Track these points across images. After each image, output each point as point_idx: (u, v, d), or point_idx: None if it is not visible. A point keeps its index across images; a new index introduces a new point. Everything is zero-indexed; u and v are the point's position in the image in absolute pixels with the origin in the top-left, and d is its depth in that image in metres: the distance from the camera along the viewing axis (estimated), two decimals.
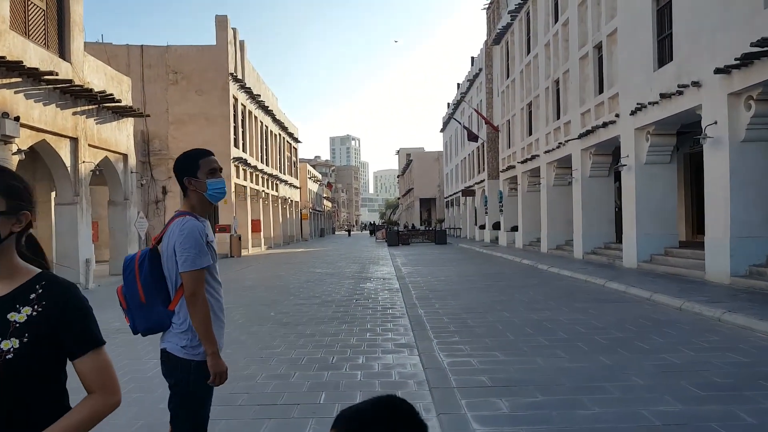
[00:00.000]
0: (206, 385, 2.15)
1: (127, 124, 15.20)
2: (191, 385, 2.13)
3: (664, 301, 8.27)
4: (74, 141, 12.22)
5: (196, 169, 2.23)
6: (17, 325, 1.17)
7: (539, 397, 3.99)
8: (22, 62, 9.98)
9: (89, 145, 12.85)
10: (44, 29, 11.34)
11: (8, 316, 1.18)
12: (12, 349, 1.14)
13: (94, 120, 13.11)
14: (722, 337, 5.87)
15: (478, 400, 3.95)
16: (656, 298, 8.57)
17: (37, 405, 1.19)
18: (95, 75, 13.26)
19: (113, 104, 13.60)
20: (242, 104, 27.64)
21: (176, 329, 2.15)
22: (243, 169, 27.15)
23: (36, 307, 1.19)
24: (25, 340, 1.16)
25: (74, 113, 12.14)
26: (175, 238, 2.12)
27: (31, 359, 1.16)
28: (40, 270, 1.27)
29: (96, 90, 12.67)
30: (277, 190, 36.02)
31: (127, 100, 14.94)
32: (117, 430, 3.50)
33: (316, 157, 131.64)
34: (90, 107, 12.82)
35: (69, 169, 12.03)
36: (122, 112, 14.37)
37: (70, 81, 11.57)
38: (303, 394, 4.23)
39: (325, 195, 76.13)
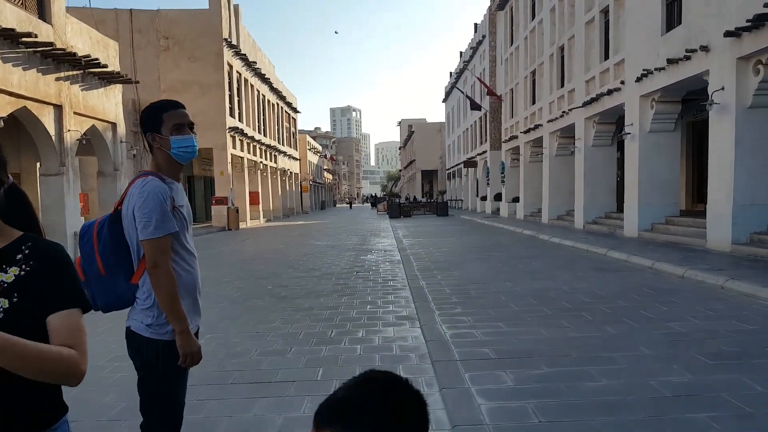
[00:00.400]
0: (178, 367, 1.92)
1: (116, 91, 14.72)
2: (160, 368, 1.91)
3: (667, 270, 8.17)
4: (58, 108, 11.75)
5: (159, 124, 1.96)
6: (5, 285, 1.15)
7: (545, 369, 3.87)
8: None
9: (75, 112, 12.38)
10: None
11: None
12: (2, 309, 1.13)
13: (80, 86, 12.62)
14: (726, 305, 5.79)
15: (481, 373, 3.83)
16: (658, 267, 8.47)
17: None
18: (79, 38, 12.69)
19: (99, 69, 13.07)
20: (237, 71, 26.96)
21: (140, 305, 1.92)
22: (240, 140, 26.72)
23: (24, 266, 1.18)
24: (15, 299, 1.14)
25: (57, 79, 11.63)
26: (134, 202, 1.87)
27: (21, 319, 1.14)
28: (22, 232, 1.25)
29: (80, 54, 12.09)
30: (275, 162, 35.60)
31: (114, 65, 14.42)
32: (98, 413, 3.35)
33: (316, 128, 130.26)
34: (74, 72, 12.29)
35: (53, 138, 11.59)
36: (109, 78, 13.87)
37: (51, 44, 11.02)
38: (299, 370, 4.09)
39: (325, 167, 75.59)
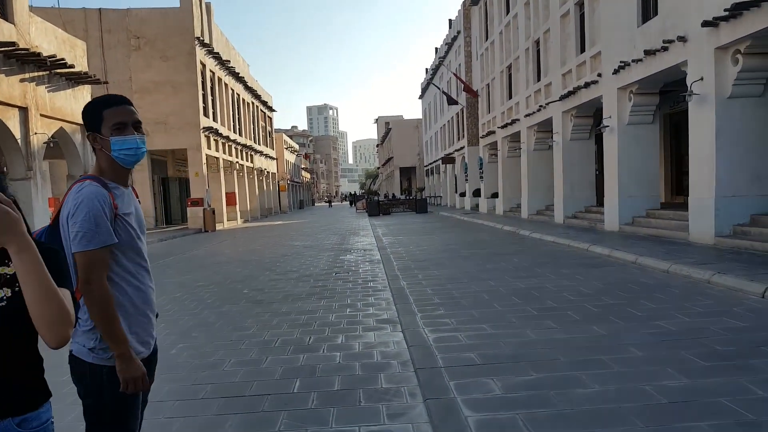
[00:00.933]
0: (125, 396, 1.71)
1: (84, 92, 14.16)
2: (105, 396, 1.70)
3: (651, 264, 8.09)
4: (24, 110, 11.27)
5: (99, 122, 1.73)
6: (8, 276, 1.25)
7: (533, 375, 3.67)
8: None
9: (41, 114, 11.89)
10: None
11: None
12: (5, 297, 1.24)
13: (46, 87, 12.11)
14: (715, 300, 5.68)
15: (467, 381, 3.61)
16: (642, 261, 8.38)
17: (25, 349, 1.28)
18: (44, 38, 12.16)
19: (66, 70, 12.57)
20: (211, 71, 26.36)
21: (82, 326, 1.71)
22: (214, 140, 26.14)
23: None
24: (17, 289, 1.23)
25: (22, 80, 11.15)
26: (68, 209, 1.65)
27: (23, 307, 1.21)
28: None
29: (45, 54, 11.61)
30: (252, 162, 35.00)
31: (82, 65, 13.87)
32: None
33: (293, 127, 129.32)
34: (40, 73, 11.80)
35: (19, 141, 11.13)
36: (77, 79, 13.34)
37: (14, 44, 10.56)
38: (275, 382, 3.82)
39: (303, 166, 74.91)
